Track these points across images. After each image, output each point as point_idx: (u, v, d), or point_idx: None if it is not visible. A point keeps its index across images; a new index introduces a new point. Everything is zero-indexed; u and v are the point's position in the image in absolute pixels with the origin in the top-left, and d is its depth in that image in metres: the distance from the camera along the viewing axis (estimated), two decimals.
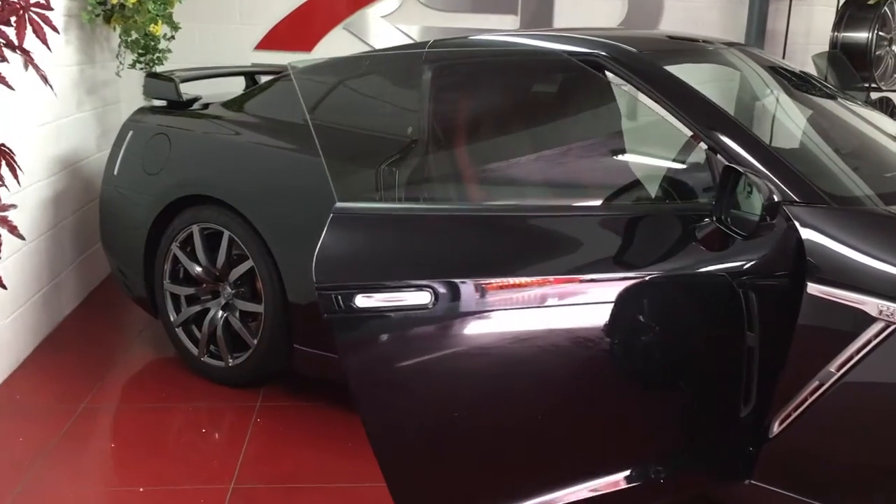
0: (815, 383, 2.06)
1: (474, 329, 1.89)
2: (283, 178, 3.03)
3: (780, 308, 2.11)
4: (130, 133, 3.50)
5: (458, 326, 1.88)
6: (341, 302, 1.77)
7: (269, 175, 3.06)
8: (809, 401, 2.08)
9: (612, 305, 1.96)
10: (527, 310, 1.88)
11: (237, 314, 3.24)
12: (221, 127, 3.33)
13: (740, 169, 1.93)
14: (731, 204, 1.95)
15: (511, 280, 1.86)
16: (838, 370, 2.01)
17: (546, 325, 1.92)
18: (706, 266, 2.08)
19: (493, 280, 1.84)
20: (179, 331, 3.39)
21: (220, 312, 3.27)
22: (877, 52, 4.59)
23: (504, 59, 2.81)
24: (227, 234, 3.16)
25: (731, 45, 3.01)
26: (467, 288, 1.83)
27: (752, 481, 2.21)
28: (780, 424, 2.14)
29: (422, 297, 1.79)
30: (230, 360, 3.26)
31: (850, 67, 4.35)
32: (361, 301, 1.78)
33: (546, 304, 1.90)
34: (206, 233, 3.25)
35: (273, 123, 3.20)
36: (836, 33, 4.71)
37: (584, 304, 1.94)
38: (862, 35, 4.59)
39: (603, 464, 2.12)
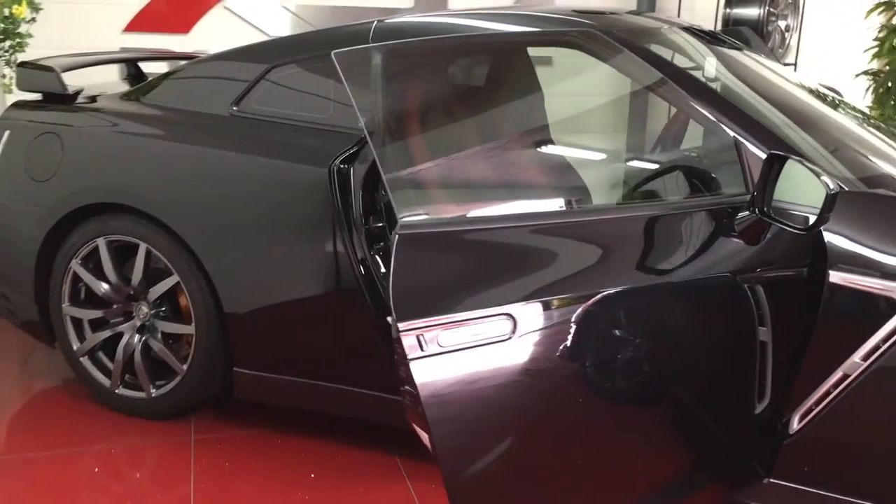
0: (839, 375, 1.99)
1: (558, 355, 1.69)
2: (214, 181, 2.66)
3: (796, 299, 2.03)
4: (7, 134, 2.97)
5: (541, 354, 1.68)
6: (426, 342, 1.49)
7: (197, 177, 2.68)
8: (833, 393, 2.01)
9: (651, 313, 1.80)
10: (602, 324, 1.68)
11: (158, 336, 2.83)
12: (130, 123, 2.88)
13: (794, 158, 1.81)
14: (772, 194, 1.83)
15: (587, 294, 1.65)
16: (865, 359, 1.96)
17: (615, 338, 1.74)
18: (725, 264, 1.95)
19: (573, 295, 1.62)
20: (85, 360, 2.93)
21: (137, 336, 2.85)
22: (767, 28, 4.71)
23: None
24: (143, 246, 2.74)
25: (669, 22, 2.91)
26: (545, 309, 1.60)
27: (771, 479, 2.13)
28: (802, 420, 2.07)
29: (500, 327, 1.54)
30: (153, 390, 2.85)
31: (765, 45, 4.44)
32: (446, 339, 1.51)
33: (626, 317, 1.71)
34: (114, 246, 2.81)
35: (194, 118, 2.79)
36: (727, 10, 4.80)
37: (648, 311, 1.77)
38: (753, 11, 4.70)
39: (635, 490, 1.97)
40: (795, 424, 2.07)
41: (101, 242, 2.80)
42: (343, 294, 2.55)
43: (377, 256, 2.49)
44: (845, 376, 1.98)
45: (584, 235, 1.75)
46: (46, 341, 3.03)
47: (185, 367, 2.77)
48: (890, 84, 4.24)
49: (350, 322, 2.54)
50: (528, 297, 1.60)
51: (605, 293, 1.71)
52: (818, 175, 1.74)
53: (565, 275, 1.70)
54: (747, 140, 2.01)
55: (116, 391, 2.90)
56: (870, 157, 2.25)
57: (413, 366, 1.51)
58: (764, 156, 1.90)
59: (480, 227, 1.68)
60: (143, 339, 2.84)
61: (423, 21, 2.77)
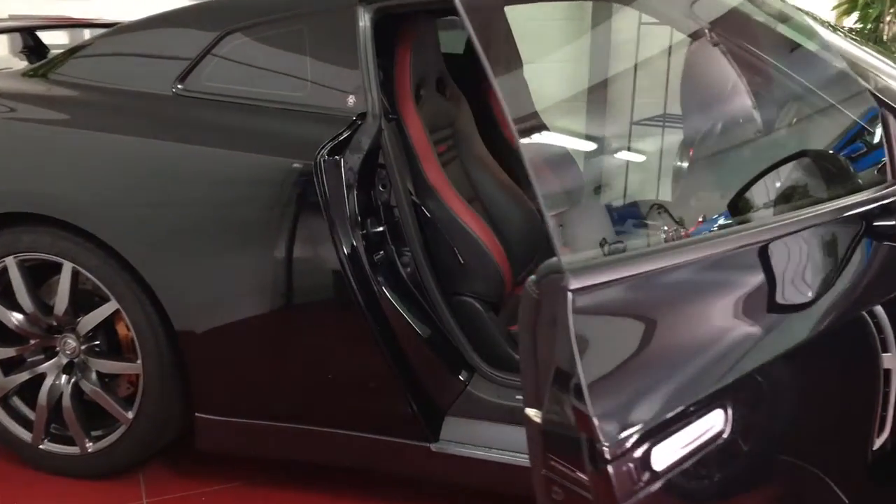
0: None
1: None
2: (158, 179, 2.09)
3: None
4: None
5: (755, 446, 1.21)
6: (639, 468, 1.00)
7: (136, 175, 2.10)
8: None
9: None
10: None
11: (93, 377, 2.25)
12: (38, 108, 2.26)
13: None
14: None
15: None
16: None
17: None
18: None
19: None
20: None
21: (64, 377, 2.26)
22: None
23: None
24: (68, 266, 2.15)
25: None
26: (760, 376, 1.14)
27: None
28: None
29: (712, 422, 1.07)
30: (88, 444, 2.28)
31: None
32: (660, 458, 1.02)
33: None
34: (28, 266, 2.21)
35: (127, 99, 2.20)
36: None
37: None
38: None
39: None
40: None
41: (10, 262, 2.19)
42: (334, 315, 2.05)
43: (379, 275, 1.99)
44: None
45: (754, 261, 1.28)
46: None
47: (130, 414, 2.21)
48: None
49: (346, 349, 2.05)
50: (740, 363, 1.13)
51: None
52: None
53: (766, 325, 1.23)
54: None
55: (40, 446, 2.31)
56: None
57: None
58: None
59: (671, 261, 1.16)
60: (73, 380, 2.25)
61: None
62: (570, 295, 1.00)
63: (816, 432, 1.49)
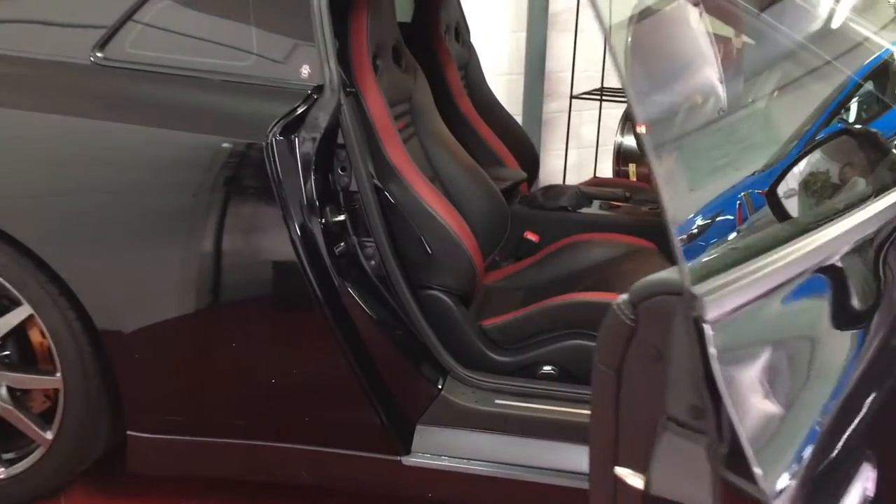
0: None
1: None
2: (77, 164, 1.79)
3: None
4: None
5: None
6: None
7: (49, 161, 1.80)
8: None
9: None
10: None
11: (2, 392, 1.94)
12: None
13: None
14: None
15: None
16: None
17: None
18: None
19: None
20: None
21: None
22: None
23: None
24: None
25: None
26: None
27: None
28: None
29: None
30: (0, 470, 1.97)
31: None
32: None
33: None
34: None
35: (33, 69, 1.87)
36: None
37: None
38: None
39: None
40: None
41: None
42: (290, 315, 1.82)
43: (340, 270, 1.75)
44: None
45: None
46: None
47: (50, 434, 1.91)
48: None
49: (303, 353, 1.82)
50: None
51: None
52: None
53: None
54: None
55: None
56: None
57: None
58: None
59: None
60: None
61: None
62: (708, 329, 0.74)
63: None
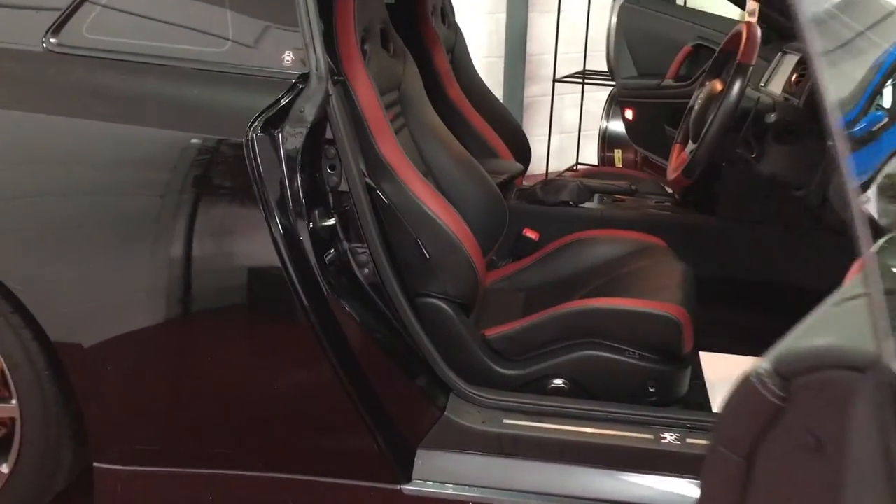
0: None
1: None
2: (26, 160, 1.59)
3: None
4: None
5: None
6: None
7: None
8: None
9: None
10: None
11: None
12: None
13: None
14: None
15: None
16: None
17: None
18: None
19: None
20: None
21: None
22: None
23: None
24: None
25: None
26: None
27: None
28: None
29: None
30: None
31: None
32: None
33: None
34: None
35: None
36: None
37: None
38: None
39: None
40: None
41: None
42: (275, 331, 1.63)
43: (331, 280, 1.57)
44: None
45: None
46: None
47: (5, 468, 1.71)
48: None
49: (291, 372, 1.64)
50: None
51: None
52: None
53: None
54: None
55: None
56: None
57: None
58: None
59: None
60: None
61: None
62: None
63: None
